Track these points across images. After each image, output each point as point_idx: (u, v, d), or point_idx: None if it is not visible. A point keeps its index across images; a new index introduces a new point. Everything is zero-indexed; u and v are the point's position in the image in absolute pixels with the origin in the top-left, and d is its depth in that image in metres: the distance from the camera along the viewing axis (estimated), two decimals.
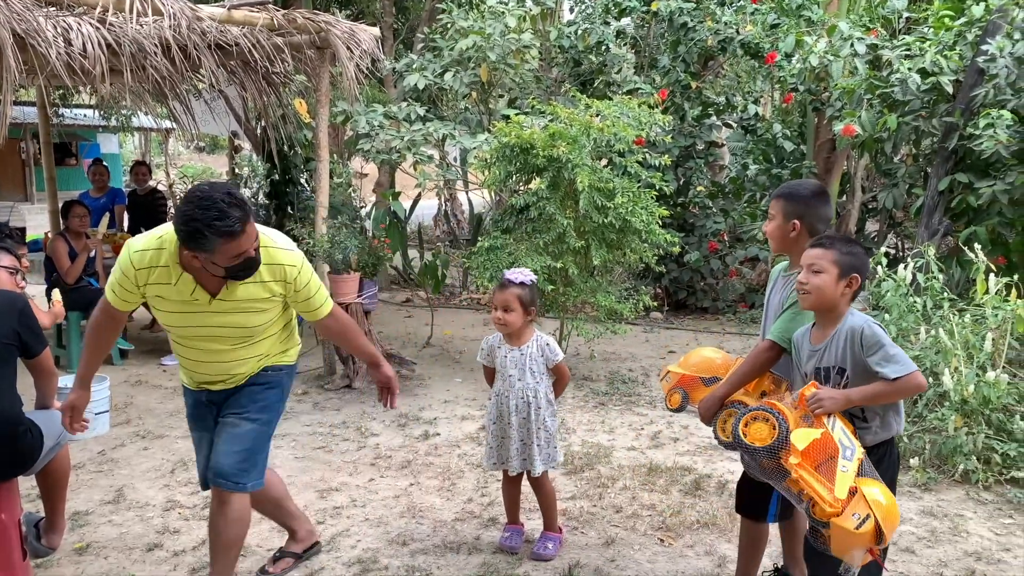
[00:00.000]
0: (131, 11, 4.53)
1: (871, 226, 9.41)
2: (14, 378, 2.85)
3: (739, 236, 8.35)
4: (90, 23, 4.54)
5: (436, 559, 3.20)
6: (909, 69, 5.59)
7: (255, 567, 3.10)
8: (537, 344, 3.17)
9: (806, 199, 2.60)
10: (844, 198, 8.53)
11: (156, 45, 4.85)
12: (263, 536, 3.38)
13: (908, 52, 5.82)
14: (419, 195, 10.07)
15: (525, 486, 3.32)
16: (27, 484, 3.42)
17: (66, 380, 3.84)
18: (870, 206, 8.56)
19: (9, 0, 3.93)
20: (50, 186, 8.01)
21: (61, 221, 6.47)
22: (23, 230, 8.95)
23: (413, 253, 10.41)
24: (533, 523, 3.42)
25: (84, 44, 4.47)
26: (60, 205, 7.17)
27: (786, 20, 7.38)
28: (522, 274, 3.14)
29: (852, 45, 6.15)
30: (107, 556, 3.26)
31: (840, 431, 2.23)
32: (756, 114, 8.49)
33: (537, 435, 3.14)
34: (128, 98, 5.59)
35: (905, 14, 6.71)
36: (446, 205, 13.68)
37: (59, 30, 4.33)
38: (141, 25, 4.68)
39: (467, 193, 11.34)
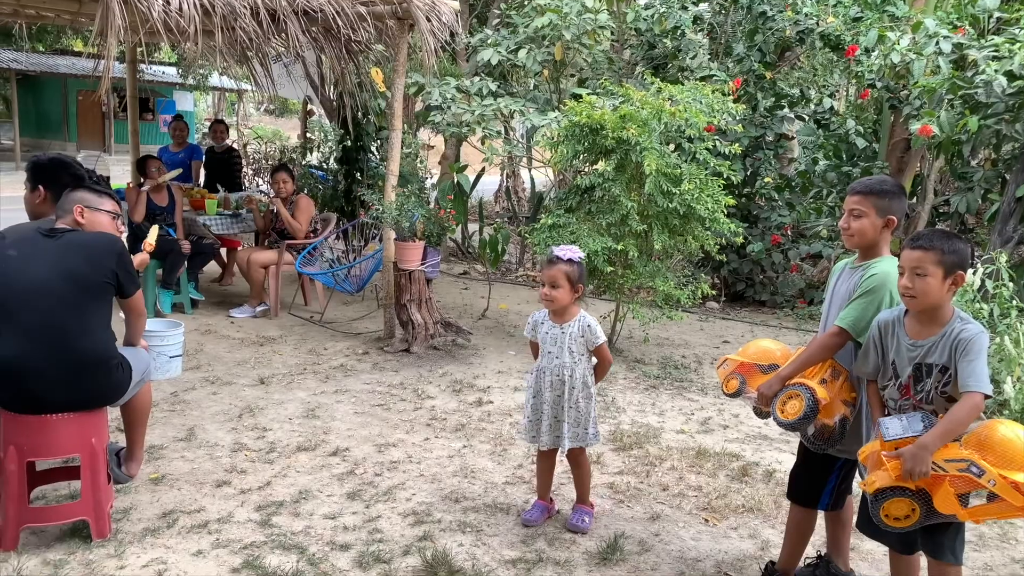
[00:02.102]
0: None
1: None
2: (109, 315, 3.05)
3: (802, 232, 8.26)
4: None
5: (487, 518, 3.33)
6: (996, 71, 5.45)
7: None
8: (579, 324, 3.21)
9: (896, 195, 2.61)
10: (915, 200, 8.35)
11: (246, 7, 5.03)
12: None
13: (996, 53, 5.67)
14: (483, 170, 10.20)
15: (563, 465, 3.40)
16: (111, 415, 3.66)
17: (152, 322, 4.07)
18: (941, 210, 8.37)
19: None
20: (133, 139, 8.33)
21: (139, 174, 6.76)
22: (107, 179, 9.34)
23: (472, 227, 10.55)
24: (564, 498, 3.52)
25: (181, 3, 4.67)
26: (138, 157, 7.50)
27: (870, 14, 7.22)
28: (571, 251, 3.19)
29: (937, 43, 6.01)
30: (180, 488, 3.47)
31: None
32: (831, 108, 8.34)
33: (568, 413, 3.20)
34: (216, 58, 5.77)
35: (996, 14, 6.51)
36: (508, 182, 13.79)
37: None
38: None
39: (530, 171, 11.42)
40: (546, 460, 3.37)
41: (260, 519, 3.22)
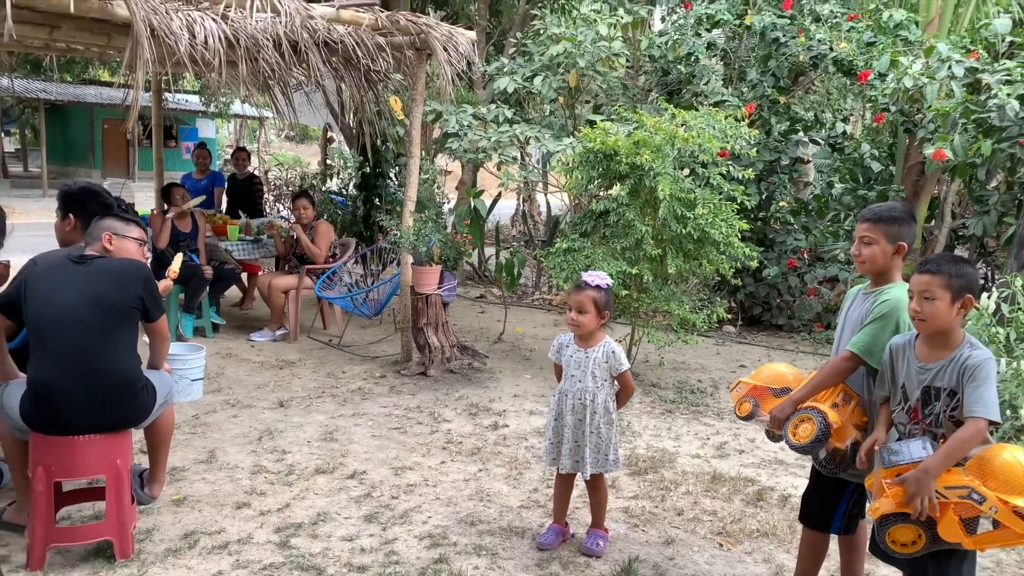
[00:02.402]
0: (251, 8, 4.85)
1: (960, 253, 9.17)
2: (135, 340, 3.14)
3: (820, 255, 8.26)
4: (212, 17, 4.88)
5: (502, 541, 3.37)
6: (1008, 95, 5.48)
7: None
8: (604, 350, 3.25)
9: (906, 221, 2.65)
10: (932, 223, 8.34)
11: (269, 39, 5.18)
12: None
13: (1009, 77, 5.70)
14: (499, 195, 10.30)
15: (579, 489, 3.43)
16: (134, 438, 3.74)
17: (174, 346, 4.16)
18: (960, 233, 8.35)
19: None
20: (158, 166, 8.52)
21: (164, 203, 6.91)
22: (132, 205, 9.54)
23: (489, 251, 10.64)
24: (579, 522, 3.55)
25: (206, 37, 4.81)
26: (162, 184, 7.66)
27: (883, 39, 7.28)
28: (599, 277, 3.24)
29: (950, 67, 6.05)
30: (201, 509, 3.54)
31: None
32: (844, 132, 8.38)
33: (589, 438, 3.22)
34: (240, 88, 5.92)
35: (1009, 38, 6.55)
36: (524, 206, 13.90)
37: (186, 23, 4.67)
38: (257, 21, 5.01)
39: (546, 195, 11.51)
40: (564, 483, 3.40)
41: (279, 540, 3.27)
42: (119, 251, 3.28)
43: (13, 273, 3.72)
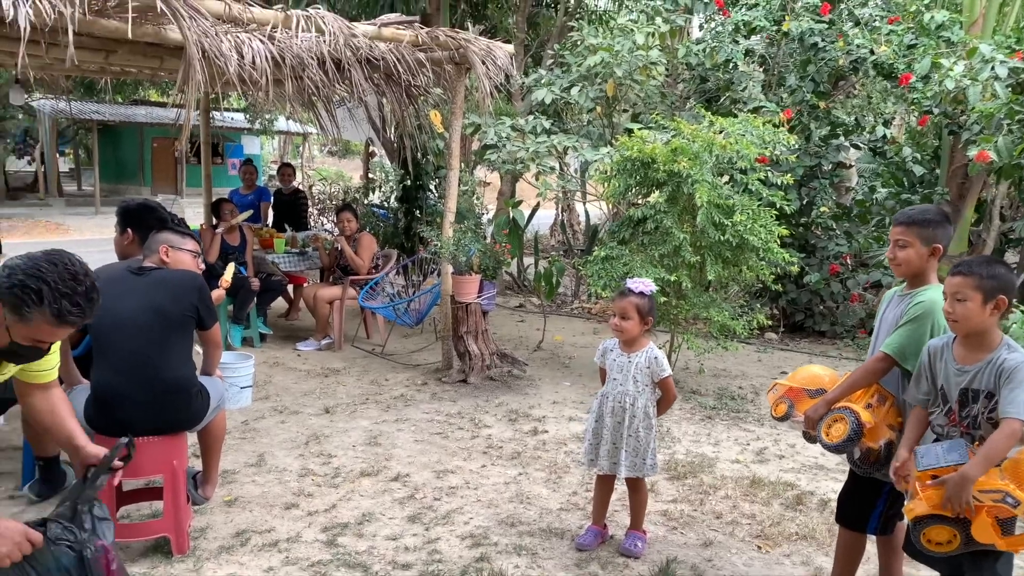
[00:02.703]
0: (296, 28, 5.02)
1: (1011, 256, 8.99)
2: (191, 347, 3.30)
3: (864, 261, 8.18)
4: (259, 38, 5.07)
5: (542, 542, 3.43)
6: None
7: None
8: (647, 355, 3.30)
9: (940, 223, 2.67)
10: (980, 226, 8.20)
11: (313, 58, 5.35)
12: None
13: None
14: (537, 205, 10.39)
15: (618, 492, 3.48)
16: (188, 441, 3.90)
17: (223, 355, 4.32)
18: (1010, 236, 8.19)
19: (197, 19, 4.47)
20: (206, 183, 8.79)
21: (212, 217, 7.15)
22: (183, 220, 9.85)
23: (528, 261, 10.73)
24: (617, 524, 3.59)
25: (254, 57, 5.01)
26: (211, 200, 7.92)
27: (924, 40, 7.22)
28: (643, 284, 3.30)
29: (993, 68, 5.99)
30: (251, 510, 3.67)
31: None
32: (884, 136, 8.30)
33: (627, 442, 3.27)
34: (287, 105, 6.12)
35: None
36: (563, 215, 13.97)
37: (234, 45, 4.87)
38: (302, 40, 5.19)
39: (584, 204, 11.58)
40: (604, 485, 3.46)
41: (326, 539, 3.39)
42: (175, 263, 3.45)
43: None
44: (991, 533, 2.20)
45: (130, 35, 4.35)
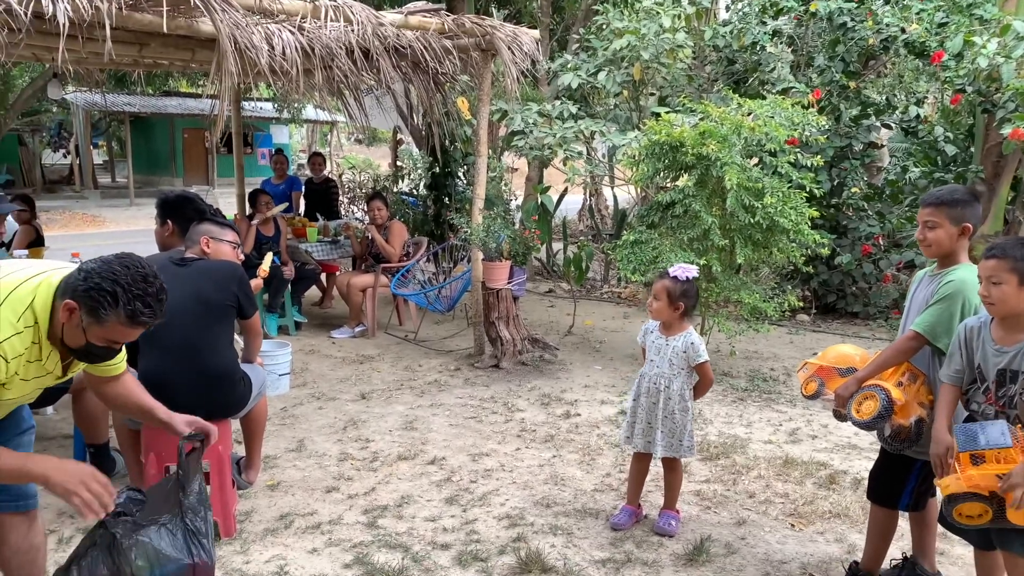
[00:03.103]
0: (325, 18, 5.09)
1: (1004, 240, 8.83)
2: (232, 335, 3.40)
3: (898, 241, 8.09)
4: (289, 29, 5.14)
5: (577, 522, 3.50)
6: None
7: None
8: (684, 340, 3.34)
9: (969, 202, 2.67)
10: (1015, 204, 8.07)
11: (342, 48, 5.42)
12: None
13: None
14: (565, 190, 10.41)
15: (652, 473, 3.53)
16: (232, 427, 4.01)
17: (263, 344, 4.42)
18: None
19: (228, 11, 4.55)
20: (238, 172, 8.95)
21: (248, 206, 7.27)
22: (219, 211, 10.03)
23: (556, 246, 10.76)
24: (651, 504, 3.64)
25: (284, 48, 5.08)
26: (244, 191, 8.04)
27: (956, 18, 7.09)
28: (681, 269, 3.33)
29: None
30: (294, 493, 3.78)
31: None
32: (917, 116, 8.18)
33: (663, 423, 3.32)
34: (316, 94, 6.19)
35: None
36: (591, 200, 13.95)
37: (265, 36, 4.95)
38: (330, 31, 5.26)
39: (612, 189, 11.56)
40: (639, 464, 3.51)
41: (367, 521, 3.48)
42: (215, 253, 3.55)
43: None
44: None
45: (164, 28, 4.44)
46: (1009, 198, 7.95)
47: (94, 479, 2.04)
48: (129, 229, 16.86)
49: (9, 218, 5.55)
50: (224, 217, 4.11)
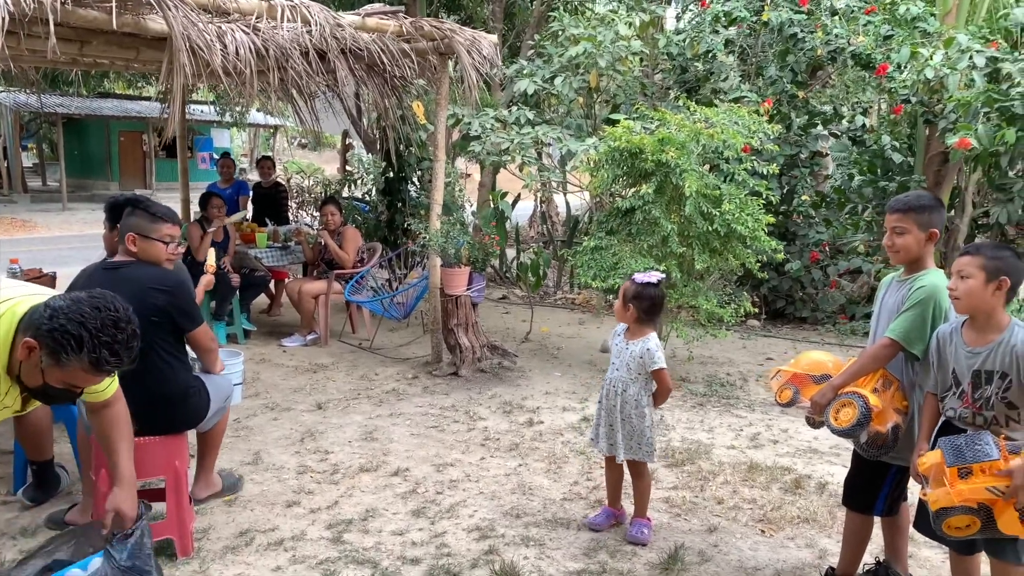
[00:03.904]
0: (281, 18, 4.94)
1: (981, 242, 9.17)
2: (174, 348, 3.18)
3: (839, 248, 8.29)
4: (243, 29, 4.98)
5: (548, 532, 3.44)
6: None
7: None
8: (642, 346, 3.34)
9: (936, 208, 2.71)
10: (953, 212, 8.35)
11: (296, 49, 5.27)
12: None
13: None
14: (518, 196, 10.38)
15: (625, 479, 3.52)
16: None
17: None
18: (980, 221, 8.35)
19: (181, 8, 4.37)
20: (183, 177, 8.69)
21: (199, 209, 7.02)
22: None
23: (509, 253, 10.71)
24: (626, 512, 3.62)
25: (237, 48, 4.92)
26: (189, 195, 7.79)
27: (900, 31, 7.31)
28: (643, 274, 3.34)
29: (971, 57, 6.09)
30: (252, 509, 3.63)
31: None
32: (863, 125, 8.41)
33: (622, 426, 3.34)
34: (270, 97, 6.02)
35: None
36: (542, 206, 13.96)
37: (217, 35, 4.78)
38: (285, 31, 5.11)
39: (565, 196, 11.59)
40: (610, 467, 3.52)
41: (332, 536, 3.36)
42: (144, 253, 3.19)
43: (60, 283, 3.85)
44: (1018, 526, 2.23)
45: (114, 25, 4.25)
46: (947, 205, 8.22)
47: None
48: (62, 234, 16.22)
49: None
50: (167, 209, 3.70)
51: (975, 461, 2.28)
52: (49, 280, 3.92)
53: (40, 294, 2.03)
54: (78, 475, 3.79)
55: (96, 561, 2.07)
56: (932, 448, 2.48)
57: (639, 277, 3.35)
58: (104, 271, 3.18)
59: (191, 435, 3.44)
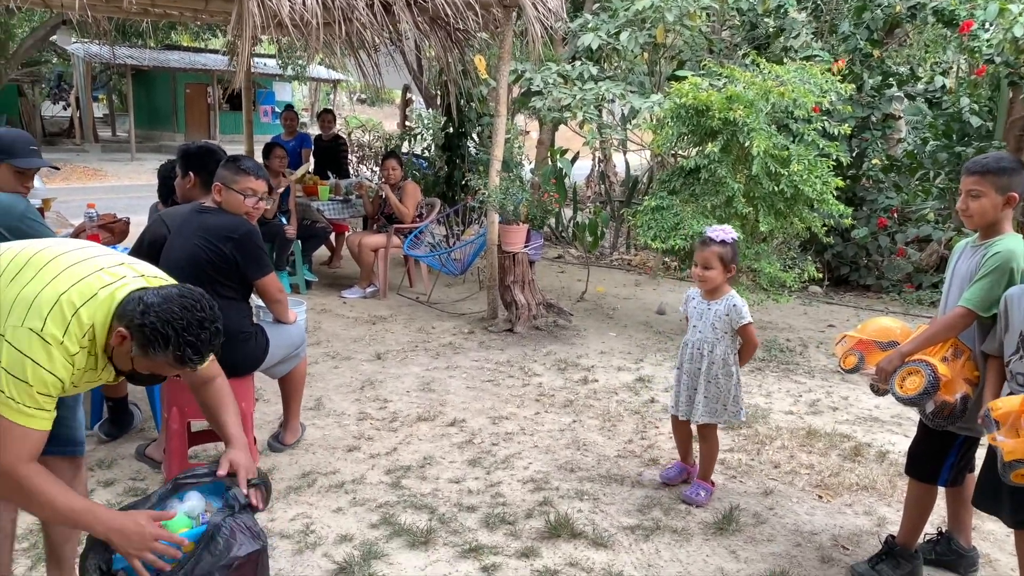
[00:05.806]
0: None
1: None
2: (235, 292, 3.28)
3: (908, 215, 8.02)
4: None
5: (602, 487, 3.47)
6: None
7: None
8: (726, 303, 3.28)
9: (1016, 170, 2.58)
10: None
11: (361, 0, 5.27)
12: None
13: None
14: (577, 154, 10.27)
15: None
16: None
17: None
18: None
19: None
20: (248, 128, 8.82)
21: (262, 160, 7.14)
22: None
23: (566, 212, 10.65)
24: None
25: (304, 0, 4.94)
26: (253, 147, 7.91)
27: None
28: (724, 232, 3.26)
29: None
30: (315, 452, 3.74)
31: None
32: (943, 86, 8.05)
33: (706, 388, 3.29)
34: (335, 49, 6.05)
35: None
36: (600, 166, 13.80)
37: None
38: None
39: (624, 154, 11.42)
40: (680, 429, 3.51)
41: (390, 481, 3.45)
42: (226, 203, 3.31)
43: (134, 229, 3.97)
44: None
45: None
46: None
47: (155, 538, 1.93)
48: (132, 183, 16.70)
49: (37, 179, 5.39)
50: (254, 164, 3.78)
51: None
52: (124, 225, 4.04)
53: (140, 272, 2.12)
54: (150, 412, 3.96)
55: (210, 501, 2.14)
56: None
57: (724, 235, 3.24)
58: (191, 212, 3.31)
59: (262, 380, 3.55)
